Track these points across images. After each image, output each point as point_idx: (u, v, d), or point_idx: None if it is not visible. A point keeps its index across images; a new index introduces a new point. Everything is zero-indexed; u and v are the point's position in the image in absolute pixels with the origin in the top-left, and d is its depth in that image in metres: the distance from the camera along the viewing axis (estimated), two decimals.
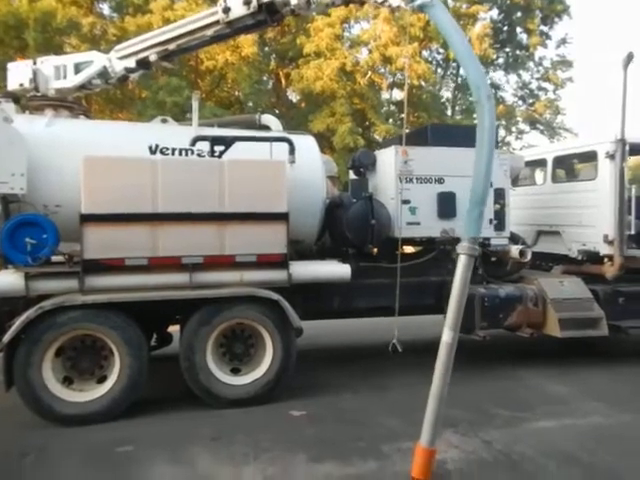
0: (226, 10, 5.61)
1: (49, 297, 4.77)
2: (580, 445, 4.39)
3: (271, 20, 5.82)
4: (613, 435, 4.68)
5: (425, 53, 22.22)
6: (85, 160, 4.80)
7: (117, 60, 5.96)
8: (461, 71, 24.64)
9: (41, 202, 5.06)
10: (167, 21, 14.56)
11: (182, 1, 17.49)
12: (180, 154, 5.64)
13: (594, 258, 7.08)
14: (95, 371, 5.00)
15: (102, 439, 4.50)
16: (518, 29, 24.07)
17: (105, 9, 18.90)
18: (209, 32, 5.85)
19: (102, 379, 4.97)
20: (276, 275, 5.28)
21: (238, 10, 5.60)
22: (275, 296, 5.18)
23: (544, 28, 24.32)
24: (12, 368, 4.64)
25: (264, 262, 5.24)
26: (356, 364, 6.90)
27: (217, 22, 5.73)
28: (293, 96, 21.03)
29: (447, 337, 3.79)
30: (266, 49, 19.95)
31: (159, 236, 4.94)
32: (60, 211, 5.10)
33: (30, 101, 5.77)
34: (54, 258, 5.09)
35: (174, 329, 5.82)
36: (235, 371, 5.37)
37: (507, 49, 24.68)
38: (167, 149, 5.61)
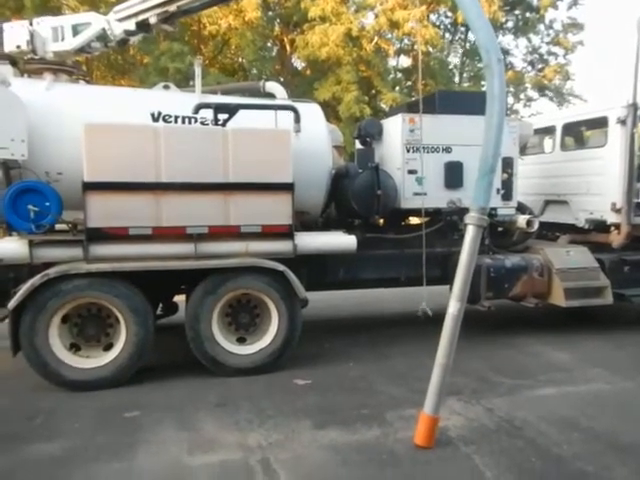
0: None
1: (54, 265, 4.78)
2: (581, 411, 4.43)
3: None
4: (615, 402, 4.71)
5: (433, 17, 21.60)
6: (86, 127, 4.73)
7: (116, 22, 5.79)
8: (470, 36, 24.03)
9: (43, 169, 5.01)
10: None
11: None
12: (183, 122, 5.54)
13: (601, 227, 7.04)
14: (101, 338, 5.05)
15: (110, 404, 4.58)
16: None
17: None
18: None
19: (109, 346, 5.03)
20: (281, 246, 5.26)
21: None
22: (280, 267, 5.17)
23: None
24: (18, 334, 4.69)
25: (269, 233, 5.21)
26: (361, 334, 6.94)
27: None
28: (298, 63, 20.59)
29: (453, 308, 3.79)
30: (270, 13, 19.42)
31: (163, 206, 4.91)
32: (62, 179, 5.06)
33: (28, 64, 5.64)
34: (58, 227, 5.08)
35: (180, 298, 5.85)
36: (241, 340, 5.41)
37: (517, 12, 23.94)
38: (170, 116, 5.51)
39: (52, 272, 4.65)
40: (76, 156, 4.77)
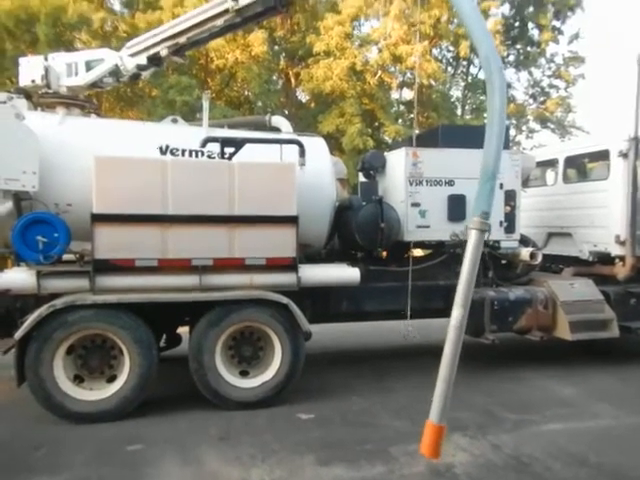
0: None
1: (60, 295, 4.82)
2: (589, 447, 4.38)
3: (280, 5, 5.82)
4: (622, 437, 4.66)
5: (435, 51, 22.10)
6: (96, 160, 4.83)
7: (128, 57, 5.99)
8: (471, 69, 24.56)
9: (52, 200, 5.10)
10: (177, 18, 14.59)
11: None
12: (190, 155, 5.65)
13: (605, 259, 7.04)
14: (105, 370, 5.04)
15: (113, 437, 4.56)
16: (530, 25, 23.82)
17: (116, 5, 18.95)
18: (219, 22, 5.84)
19: (112, 378, 5.01)
20: (285, 278, 5.29)
21: None
22: (284, 300, 5.19)
23: (556, 23, 24.07)
24: (24, 364, 4.70)
25: (273, 265, 5.24)
26: (363, 367, 6.89)
27: (226, 11, 5.72)
28: (302, 96, 21.00)
29: (456, 314, 3.76)
30: (276, 48, 19.93)
31: (169, 237, 4.96)
32: (71, 210, 5.14)
33: (42, 98, 5.80)
34: (65, 257, 5.14)
35: (183, 330, 5.86)
36: (244, 374, 5.38)
37: (518, 46, 24.46)
38: (177, 150, 5.62)
39: (59, 303, 4.69)
40: (86, 188, 4.86)
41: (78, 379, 4.96)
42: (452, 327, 3.76)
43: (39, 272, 4.74)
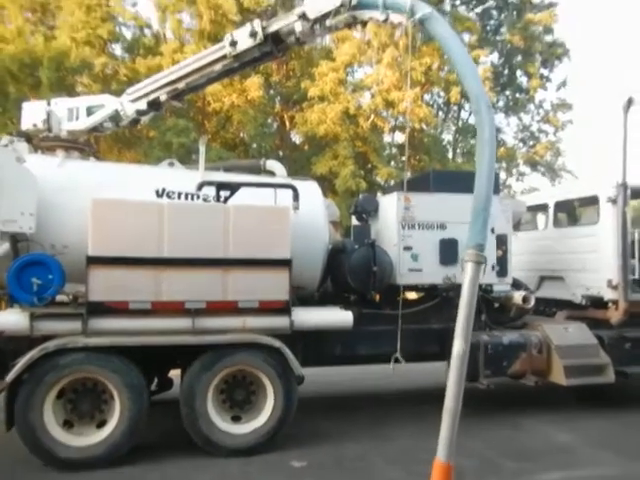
0: (233, 43, 5.81)
1: (53, 337, 4.78)
2: None
3: (277, 50, 6.02)
4: None
5: (427, 97, 22.72)
6: (94, 202, 4.89)
7: (129, 103, 6.14)
8: (462, 114, 25.21)
9: (49, 242, 5.13)
10: (177, 63, 15.02)
11: (191, 44, 18.07)
12: (186, 198, 5.73)
13: (598, 303, 7.06)
14: (95, 415, 4.95)
15: None
16: (518, 72, 24.63)
17: (117, 50, 19.52)
18: (217, 67, 6.03)
19: (102, 423, 4.92)
20: (278, 322, 5.28)
21: (245, 43, 5.80)
22: (277, 343, 5.17)
23: (544, 71, 24.90)
24: (13, 408, 4.61)
25: (267, 308, 5.25)
26: (358, 412, 6.80)
27: (224, 56, 5.92)
28: (297, 138, 21.42)
29: (458, 347, 3.75)
30: (271, 92, 20.46)
31: (163, 280, 4.98)
32: (67, 251, 5.15)
33: (42, 141, 5.92)
34: (58, 298, 5.12)
35: (175, 373, 5.79)
36: (235, 419, 5.30)
37: (507, 92, 25.22)
38: (173, 193, 5.71)
39: (51, 345, 4.65)
40: (82, 230, 4.90)
41: (67, 424, 4.86)
42: (455, 356, 3.75)
43: (32, 314, 4.71)
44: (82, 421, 4.91)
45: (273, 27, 5.81)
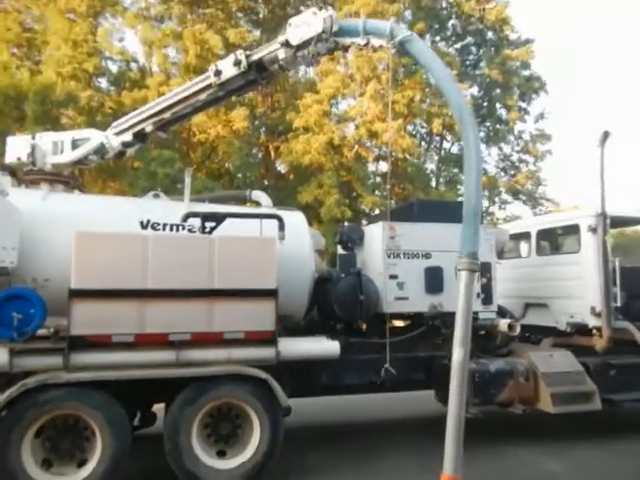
0: (217, 73, 5.90)
1: (33, 373, 4.64)
2: None
3: (261, 78, 6.12)
4: None
5: (409, 127, 23.19)
6: (77, 235, 4.83)
7: (114, 136, 6.16)
8: (444, 144, 25.74)
9: (31, 275, 5.05)
10: (162, 96, 15.16)
11: (177, 78, 18.32)
12: (171, 230, 5.71)
13: (583, 330, 7.10)
14: (75, 453, 4.77)
15: None
16: (497, 105, 25.38)
17: (103, 83, 19.69)
18: (202, 96, 6.10)
19: (82, 462, 4.74)
20: (264, 352, 5.22)
21: (229, 71, 5.89)
22: (264, 375, 5.11)
23: (522, 104, 25.67)
24: None
25: (252, 339, 5.19)
26: (345, 443, 6.68)
27: (210, 86, 6.00)
28: (282, 168, 21.62)
29: (458, 355, 3.73)
30: (256, 123, 20.72)
31: (147, 312, 4.91)
32: (49, 285, 5.08)
33: (26, 175, 5.90)
34: (39, 332, 5.01)
35: (159, 407, 5.66)
36: (221, 454, 5.16)
37: (487, 123, 25.87)
38: (158, 224, 5.69)
39: (31, 382, 4.52)
40: (65, 263, 4.83)
41: (46, 463, 4.68)
42: (455, 363, 3.73)
43: (12, 349, 4.59)
44: (62, 460, 4.73)
45: (257, 55, 5.93)
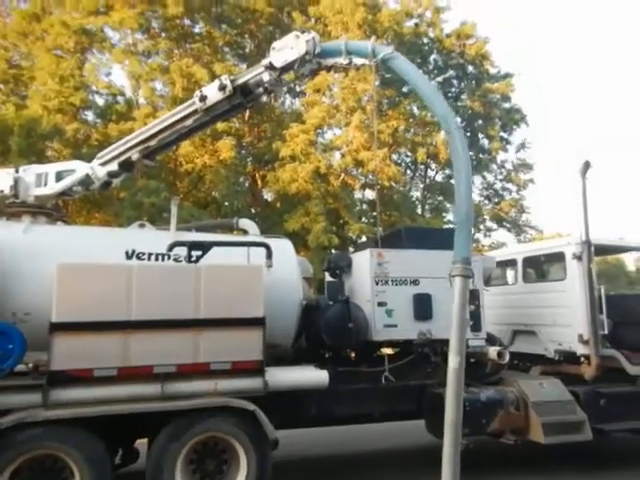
0: (203, 98, 5.92)
1: (9, 412, 4.46)
2: None
3: (246, 102, 6.16)
4: None
5: (395, 157, 23.49)
6: (58, 267, 4.74)
7: (99, 166, 6.11)
8: (429, 172, 26.07)
9: (10, 309, 4.93)
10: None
11: (164, 110, 18.42)
12: (157, 259, 5.64)
13: (571, 358, 7.05)
14: None
15: None
16: (480, 135, 25.86)
17: (89, 116, 19.70)
18: (188, 122, 6.11)
19: None
20: (252, 383, 5.11)
21: (214, 96, 5.92)
22: (251, 406, 4.98)
23: (504, 134, 26.21)
24: None
25: (239, 369, 5.09)
26: (338, 477, 6.50)
27: (195, 111, 6.02)
28: (269, 196, 21.67)
29: (453, 363, 3.68)
30: (243, 152, 20.83)
31: (131, 344, 4.80)
32: (29, 319, 4.95)
33: (8, 207, 5.80)
34: (18, 367, 4.85)
35: (141, 442, 5.46)
36: None
37: (471, 153, 26.25)
38: (143, 254, 5.61)
39: (7, 421, 4.34)
40: (46, 297, 4.72)
41: None
42: (451, 370, 3.67)
43: None
44: None
45: (241, 79, 5.99)
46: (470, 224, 4.10)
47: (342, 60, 5.70)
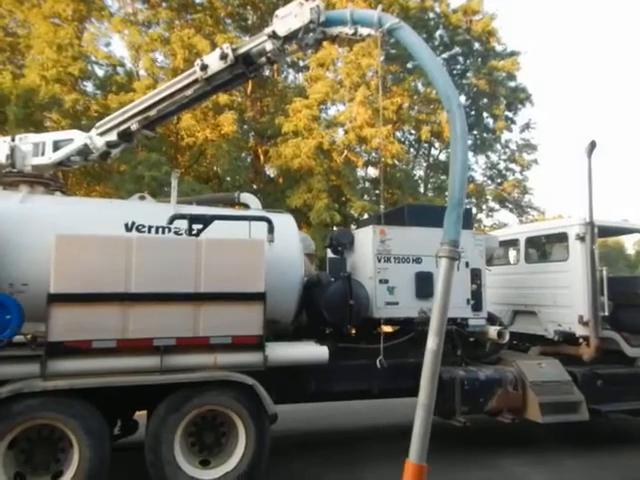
0: (204, 67, 5.77)
1: (8, 382, 4.44)
2: None
3: (248, 72, 6.00)
4: None
5: (398, 134, 23.25)
6: (57, 238, 4.65)
7: (98, 136, 5.99)
8: (432, 151, 25.85)
9: (7, 280, 4.86)
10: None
11: (164, 81, 18.13)
12: (157, 232, 5.55)
13: (570, 339, 7.05)
14: (51, 466, 4.57)
15: None
16: (485, 114, 25.55)
17: (89, 87, 19.42)
18: (189, 92, 5.95)
19: (58, 475, 4.54)
20: (251, 358, 5.08)
21: (215, 65, 5.77)
22: (250, 381, 4.96)
23: (509, 114, 25.91)
24: None
25: (239, 344, 5.05)
26: (334, 452, 6.55)
27: (196, 81, 5.87)
28: (271, 172, 21.51)
29: (432, 343, 3.71)
30: (245, 127, 20.59)
31: (130, 317, 4.75)
32: (27, 290, 4.89)
33: (5, 177, 5.70)
34: (16, 338, 4.82)
35: (140, 413, 5.48)
36: (204, 463, 4.99)
37: (475, 132, 26.01)
38: (144, 227, 5.53)
39: (4, 391, 4.30)
40: (44, 267, 4.65)
41: (19, 477, 4.46)
42: (429, 351, 3.68)
43: None
44: (36, 473, 4.52)
45: (243, 49, 5.83)
46: (462, 205, 4.05)
47: (347, 30, 5.51)
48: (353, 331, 6.52)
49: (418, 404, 3.58)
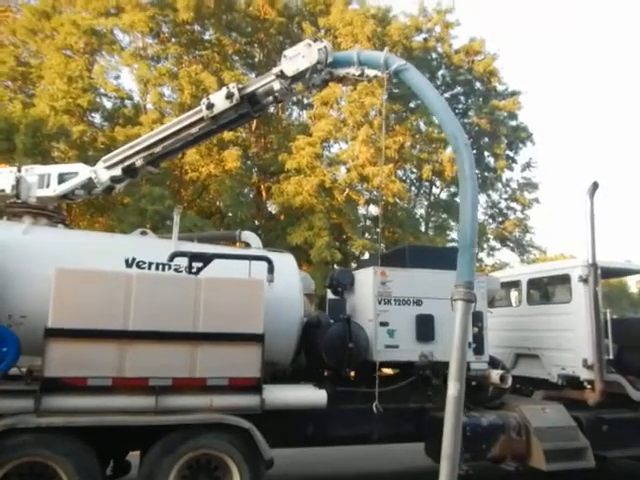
0: (210, 106, 5.83)
1: (1, 416, 4.36)
2: None
3: (253, 111, 6.07)
4: None
5: (400, 173, 23.47)
6: (57, 272, 4.65)
7: (103, 170, 6.04)
8: (434, 190, 26.03)
9: (6, 312, 4.83)
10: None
11: (171, 116, 18.43)
12: (157, 269, 5.55)
13: (574, 383, 6.93)
14: None
15: None
16: (486, 153, 25.84)
17: (97, 118, 19.74)
18: (194, 130, 6.02)
19: None
20: (248, 400, 4.99)
21: (221, 104, 5.84)
22: (246, 424, 4.85)
23: (510, 153, 26.20)
24: None
25: (236, 386, 4.96)
26: None
27: (202, 119, 5.93)
28: (273, 208, 21.61)
29: (453, 390, 3.60)
30: (249, 163, 20.81)
31: (127, 355, 4.69)
32: (25, 322, 4.86)
33: (9, 207, 5.74)
34: (11, 371, 4.75)
35: (134, 454, 5.33)
36: None
37: (476, 171, 26.24)
38: (144, 263, 5.52)
39: None
40: (44, 300, 4.62)
41: None
42: (450, 398, 3.56)
43: None
44: None
45: (250, 88, 5.91)
46: (473, 248, 4.04)
47: (354, 71, 5.63)
48: (352, 374, 6.41)
49: (442, 455, 3.46)
